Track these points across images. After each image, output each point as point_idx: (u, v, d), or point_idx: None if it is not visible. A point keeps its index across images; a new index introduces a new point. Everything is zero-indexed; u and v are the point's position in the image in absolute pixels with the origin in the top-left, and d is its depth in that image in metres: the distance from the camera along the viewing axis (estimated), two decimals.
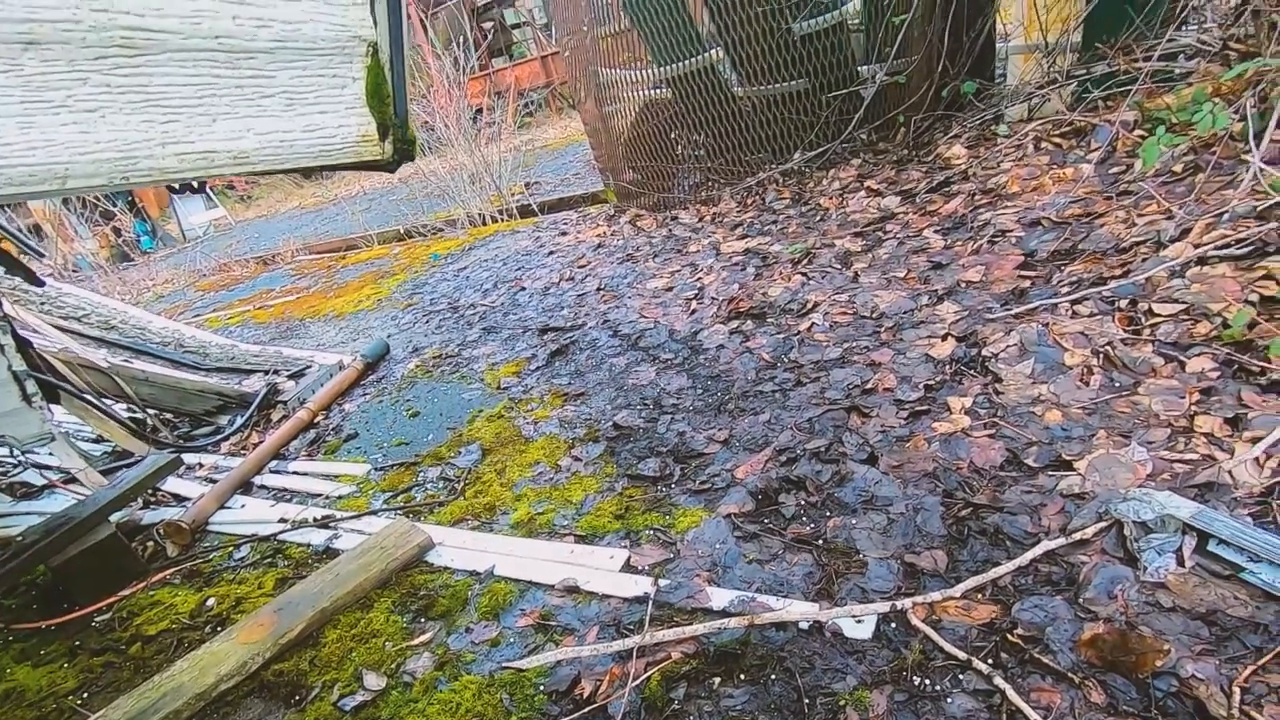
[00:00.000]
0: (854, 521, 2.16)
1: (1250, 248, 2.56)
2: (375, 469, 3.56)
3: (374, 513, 3.18)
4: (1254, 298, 2.41)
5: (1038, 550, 1.82)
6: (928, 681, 1.61)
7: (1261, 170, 2.70)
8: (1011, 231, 3.45)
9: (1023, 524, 1.95)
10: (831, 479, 2.35)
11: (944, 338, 2.88)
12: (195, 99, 0.84)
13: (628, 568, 2.31)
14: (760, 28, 5.14)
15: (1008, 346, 2.65)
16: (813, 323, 3.36)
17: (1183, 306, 2.52)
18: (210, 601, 2.96)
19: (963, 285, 3.21)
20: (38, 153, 0.78)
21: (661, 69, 5.75)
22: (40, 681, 2.81)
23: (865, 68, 5.31)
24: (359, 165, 1.12)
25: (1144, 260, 2.83)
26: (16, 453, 4.32)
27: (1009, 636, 1.65)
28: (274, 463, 3.96)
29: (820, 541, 2.13)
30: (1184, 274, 2.64)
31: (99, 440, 5.01)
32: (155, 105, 0.82)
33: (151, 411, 4.72)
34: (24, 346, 3.63)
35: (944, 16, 4.77)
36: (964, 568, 1.89)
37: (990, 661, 1.61)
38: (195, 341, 5.28)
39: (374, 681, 2.20)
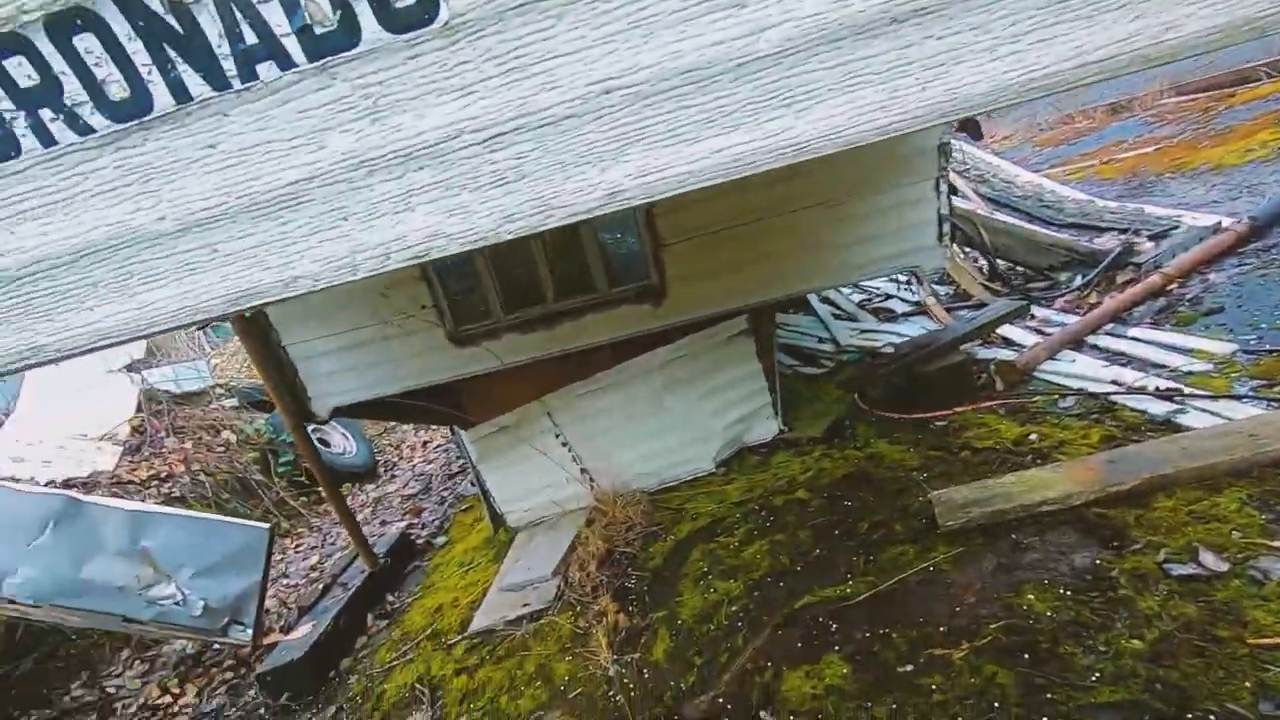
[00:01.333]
0: None
1: None
2: (1244, 351, 3.09)
3: (1237, 398, 2.81)
4: None
5: None
6: None
7: None
8: None
9: None
10: None
11: None
12: None
13: None
14: None
15: None
16: None
17: None
18: (1033, 436, 3.28)
19: None
20: None
21: None
22: (892, 455, 3.75)
23: None
24: None
25: None
26: (902, 284, 5.59)
27: None
28: (1111, 325, 3.91)
29: None
30: None
31: (941, 282, 5.94)
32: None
33: (1000, 262, 5.28)
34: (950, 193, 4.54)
35: None
36: None
37: None
38: (1053, 196, 5.51)
39: (1212, 561, 2.06)
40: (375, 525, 5.71)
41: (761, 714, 2.35)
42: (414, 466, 7.30)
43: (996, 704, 1.91)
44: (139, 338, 1.22)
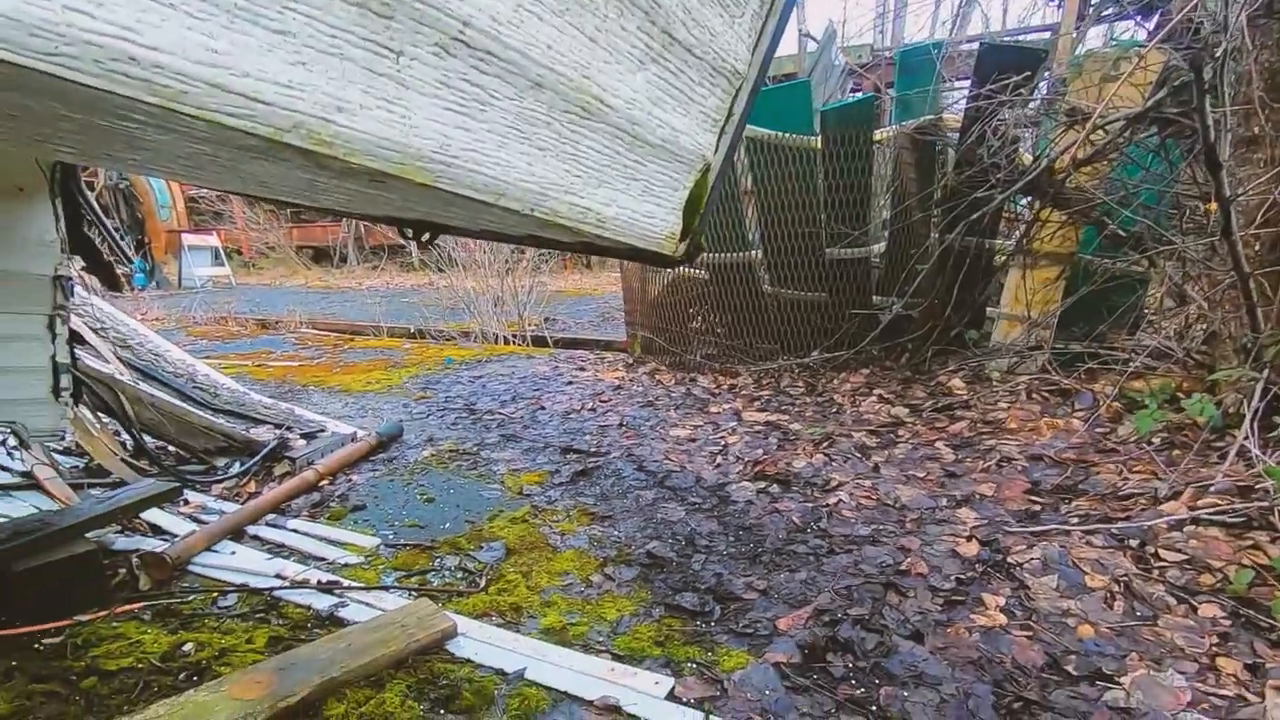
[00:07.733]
0: (905, 694, 2.13)
1: (1240, 518, 2.84)
2: (386, 545, 3.35)
3: (385, 588, 2.96)
4: (1247, 562, 2.63)
5: None
6: None
7: (1258, 456, 3.04)
8: (1016, 460, 3.73)
9: None
10: (876, 648, 2.34)
11: (968, 538, 3.00)
12: (598, 165, 0.96)
13: (672, 697, 2.19)
14: (799, 245, 5.75)
15: (1031, 559, 2.78)
16: (839, 499, 3.47)
17: (1185, 557, 2.72)
18: (188, 646, 2.63)
19: (978, 497, 3.40)
20: (499, 169, 0.87)
21: (708, 255, 6.27)
22: None
23: (878, 298, 5.92)
24: (658, 258, 1.22)
25: (1143, 510, 3.08)
26: (9, 445, 3.94)
27: None
28: (272, 516, 3.69)
29: (874, 708, 2.08)
30: (1181, 529, 2.88)
31: (68, 452, 4.61)
32: (576, 161, 0.93)
33: (148, 439, 4.42)
34: (73, 341, 3.47)
35: (954, 273, 5.42)
36: None
37: None
38: (208, 380, 5.07)
39: None
40: None
41: None
42: None
43: None
44: None
